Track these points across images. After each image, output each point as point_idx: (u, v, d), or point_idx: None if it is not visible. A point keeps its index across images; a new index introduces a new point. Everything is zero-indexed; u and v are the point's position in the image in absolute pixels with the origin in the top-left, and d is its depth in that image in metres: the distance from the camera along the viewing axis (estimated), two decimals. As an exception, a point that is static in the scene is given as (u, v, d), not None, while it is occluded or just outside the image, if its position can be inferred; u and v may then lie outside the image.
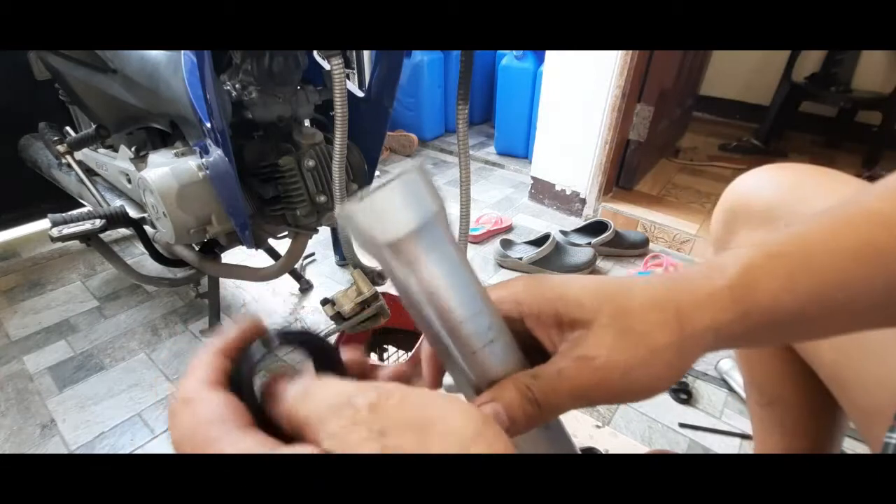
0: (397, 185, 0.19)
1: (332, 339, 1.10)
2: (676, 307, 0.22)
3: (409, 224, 0.19)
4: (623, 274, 1.44)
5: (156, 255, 1.12)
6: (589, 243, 1.51)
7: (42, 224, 1.63)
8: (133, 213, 1.07)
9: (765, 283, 0.22)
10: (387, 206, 0.19)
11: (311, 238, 1.01)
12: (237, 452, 0.16)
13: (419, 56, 2.22)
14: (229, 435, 0.16)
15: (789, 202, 0.48)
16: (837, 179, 0.47)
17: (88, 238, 0.97)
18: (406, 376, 0.24)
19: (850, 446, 0.90)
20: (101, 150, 1.24)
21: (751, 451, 0.89)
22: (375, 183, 0.21)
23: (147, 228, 1.07)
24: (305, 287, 1.39)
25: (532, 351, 0.23)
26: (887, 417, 0.32)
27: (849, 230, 0.23)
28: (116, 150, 1.17)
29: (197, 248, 1.09)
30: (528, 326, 0.23)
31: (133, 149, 1.11)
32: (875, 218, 0.23)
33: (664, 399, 1.03)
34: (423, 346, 0.25)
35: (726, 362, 1.07)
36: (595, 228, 1.57)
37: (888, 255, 0.22)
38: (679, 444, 0.94)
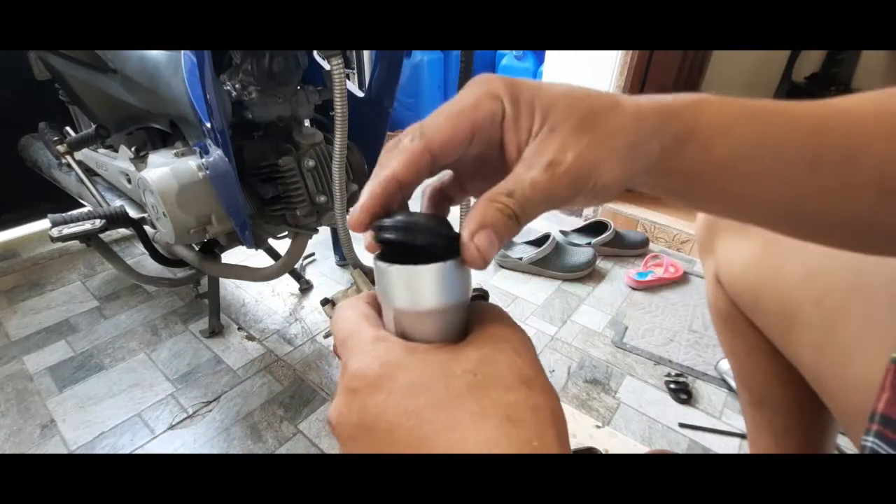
0: (436, 270, 0.21)
1: (332, 340, 1.10)
2: (635, 110, 0.23)
3: (427, 304, 0.21)
4: (622, 273, 1.45)
5: (156, 255, 1.12)
6: (589, 243, 1.51)
7: (42, 224, 1.63)
8: (133, 213, 1.07)
9: (707, 108, 0.24)
10: (418, 282, 0.21)
11: (311, 238, 1.01)
12: (367, 335, 0.22)
13: (419, 56, 2.22)
14: (370, 326, 0.23)
15: None
16: None
17: (88, 238, 0.97)
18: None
19: (848, 444, 0.90)
20: (101, 150, 1.24)
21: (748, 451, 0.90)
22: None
23: (147, 228, 1.07)
24: (305, 287, 1.39)
25: (494, 159, 0.24)
26: (865, 418, 0.32)
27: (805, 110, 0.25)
28: (116, 150, 1.17)
29: (197, 248, 1.09)
30: (503, 128, 0.23)
31: (133, 149, 1.11)
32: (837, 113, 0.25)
33: (664, 399, 1.03)
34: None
35: (726, 362, 1.07)
36: (595, 228, 1.57)
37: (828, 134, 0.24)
38: (679, 444, 0.94)
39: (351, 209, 0.23)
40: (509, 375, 0.20)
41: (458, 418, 0.19)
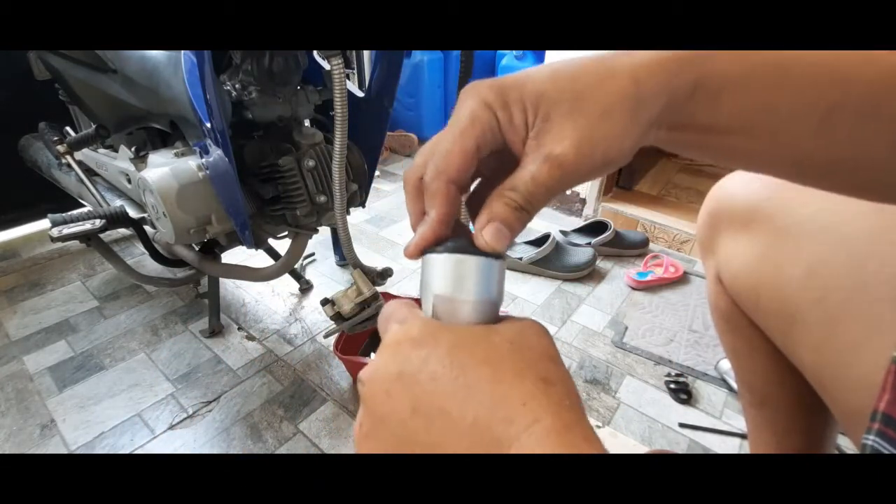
0: (477, 261, 0.24)
1: (332, 340, 1.10)
2: (632, 72, 0.23)
3: (466, 294, 0.24)
4: (622, 273, 1.44)
5: (156, 255, 1.12)
6: (589, 243, 1.51)
7: (42, 224, 1.63)
8: (133, 213, 1.07)
9: (718, 59, 0.23)
10: (461, 271, 0.24)
11: (311, 238, 1.01)
12: (406, 311, 0.24)
13: (419, 56, 2.22)
14: (409, 310, 0.25)
15: (771, 204, 0.48)
16: None
17: (88, 238, 0.97)
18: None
19: (848, 444, 0.90)
20: (101, 150, 1.24)
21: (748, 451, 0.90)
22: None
23: (147, 228, 1.07)
24: (305, 287, 1.39)
25: (507, 155, 0.25)
26: (865, 418, 0.32)
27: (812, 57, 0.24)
28: (116, 150, 1.17)
29: (197, 248, 1.09)
30: (503, 131, 0.24)
31: (133, 149, 1.11)
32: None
33: (664, 399, 1.03)
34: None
35: (726, 362, 1.07)
36: (595, 228, 1.57)
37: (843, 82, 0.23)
38: (679, 444, 0.94)
39: (407, 244, 0.26)
40: (539, 350, 0.22)
41: (502, 373, 0.20)
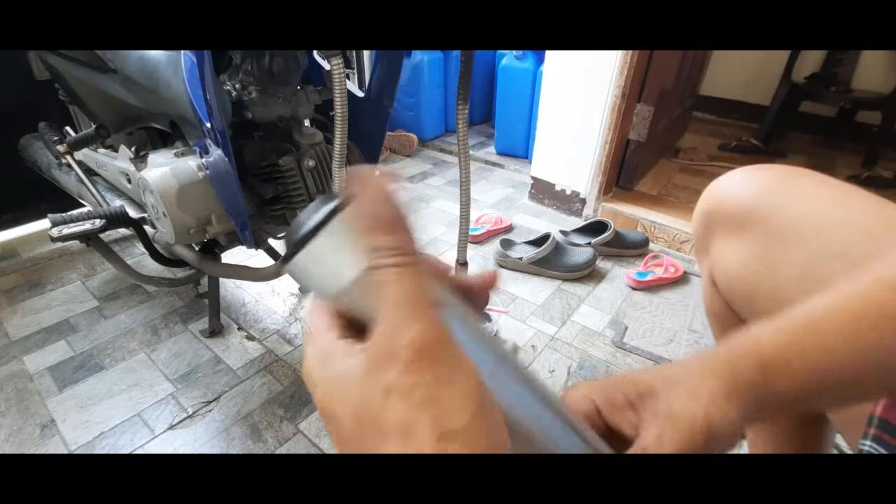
0: (330, 234, 0.19)
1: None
2: (733, 372, 0.27)
3: (350, 275, 0.20)
4: (622, 273, 1.45)
5: (156, 255, 1.12)
6: (589, 243, 1.51)
7: (42, 224, 1.63)
8: (133, 213, 1.07)
9: (764, 340, 0.27)
10: (328, 254, 0.19)
11: (311, 238, 1.01)
12: (321, 342, 0.22)
13: (419, 56, 2.22)
14: (329, 333, 0.22)
15: (766, 205, 0.48)
16: (818, 181, 0.46)
17: (88, 238, 0.97)
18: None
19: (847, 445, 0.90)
20: (101, 150, 1.24)
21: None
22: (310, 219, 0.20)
23: (147, 228, 1.07)
24: (305, 287, 1.39)
25: (612, 439, 0.28)
26: (862, 422, 0.32)
27: (860, 325, 0.27)
28: (116, 150, 1.17)
29: (197, 248, 1.09)
30: (605, 415, 0.27)
31: (133, 149, 1.11)
32: (884, 312, 0.27)
33: (664, 399, 1.03)
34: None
35: (726, 362, 1.07)
36: (595, 228, 1.57)
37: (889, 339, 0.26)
38: (679, 444, 0.94)
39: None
40: (348, 404, 0.19)
41: (346, 440, 0.20)
